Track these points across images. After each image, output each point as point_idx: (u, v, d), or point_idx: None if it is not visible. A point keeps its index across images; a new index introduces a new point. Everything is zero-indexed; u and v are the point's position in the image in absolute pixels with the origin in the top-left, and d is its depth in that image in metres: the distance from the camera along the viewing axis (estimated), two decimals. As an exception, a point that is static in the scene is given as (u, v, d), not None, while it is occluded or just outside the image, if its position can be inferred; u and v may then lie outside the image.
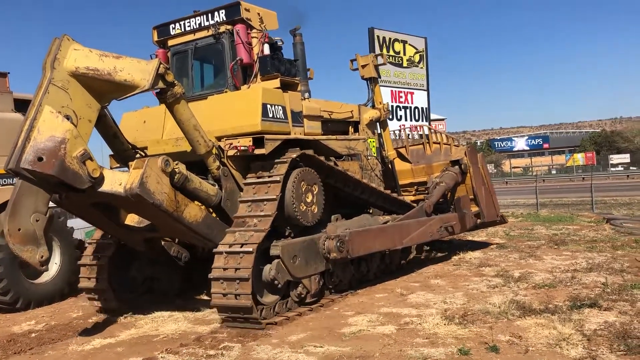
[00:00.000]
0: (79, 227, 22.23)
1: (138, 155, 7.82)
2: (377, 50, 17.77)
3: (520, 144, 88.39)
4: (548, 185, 43.24)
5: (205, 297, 8.72)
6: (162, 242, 8.44)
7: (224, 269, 6.91)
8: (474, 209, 11.43)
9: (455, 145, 12.04)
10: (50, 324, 8.11)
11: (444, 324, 6.41)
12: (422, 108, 19.77)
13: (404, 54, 19.45)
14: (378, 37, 18.39)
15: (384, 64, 11.69)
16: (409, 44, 19.62)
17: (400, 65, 19.37)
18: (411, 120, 18.93)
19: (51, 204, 6.50)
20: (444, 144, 12.15)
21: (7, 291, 8.81)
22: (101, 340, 6.93)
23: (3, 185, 9.32)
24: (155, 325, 7.50)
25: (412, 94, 19.59)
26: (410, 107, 19.24)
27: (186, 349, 6.22)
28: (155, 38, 9.41)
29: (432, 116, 21.68)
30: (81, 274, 8.42)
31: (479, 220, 11.56)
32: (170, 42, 9.28)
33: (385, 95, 18.34)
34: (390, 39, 18.86)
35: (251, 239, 6.98)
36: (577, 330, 5.83)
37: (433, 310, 7.14)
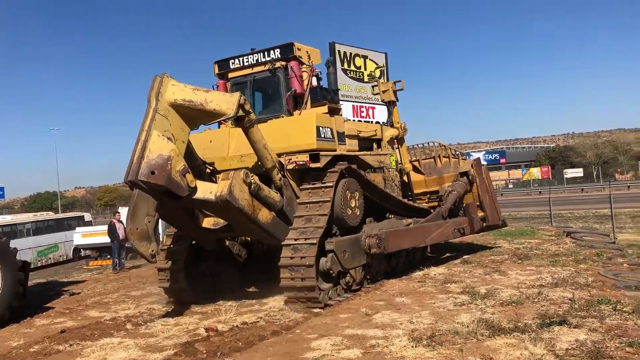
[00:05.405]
0: (24, 247, 21.19)
1: (208, 170, 9.34)
2: (339, 64, 17.75)
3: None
4: (507, 199, 43.92)
5: (254, 289, 10.09)
6: (227, 242, 9.75)
7: (291, 258, 8.44)
8: (480, 214, 12.89)
9: (462, 159, 13.52)
10: (-13, 355, 7.44)
11: (412, 346, 6.12)
12: (382, 122, 19.69)
13: (365, 69, 19.42)
14: (339, 51, 18.35)
15: (402, 89, 12.99)
16: (370, 59, 19.64)
17: (362, 80, 19.33)
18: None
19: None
20: (453, 157, 13.51)
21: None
22: (42, 373, 6.35)
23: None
24: (103, 353, 6.95)
25: (373, 108, 19.56)
26: (372, 122, 19.14)
27: (135, 382, 5.75)
28: (217, 71, 10.84)
29: (393, 131, 21.63)
30: (159, 276, 9.93)
31: (484, 224, 12.94)
32: (230, 75, 10.76)
33: (346, 110, 18.31)
34: (351, 53, 18.83)
35: (313, 234, 8.60)
36: (549, 351, 5.63)
37: (400, 331, 6.85)
